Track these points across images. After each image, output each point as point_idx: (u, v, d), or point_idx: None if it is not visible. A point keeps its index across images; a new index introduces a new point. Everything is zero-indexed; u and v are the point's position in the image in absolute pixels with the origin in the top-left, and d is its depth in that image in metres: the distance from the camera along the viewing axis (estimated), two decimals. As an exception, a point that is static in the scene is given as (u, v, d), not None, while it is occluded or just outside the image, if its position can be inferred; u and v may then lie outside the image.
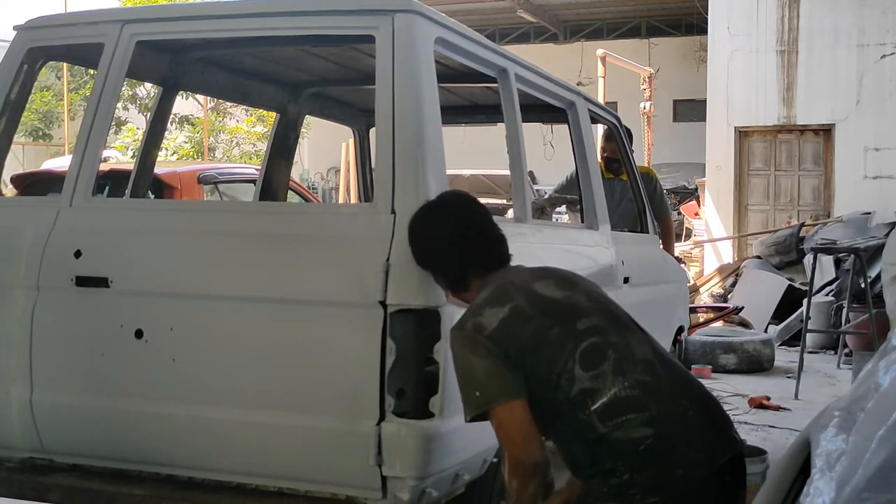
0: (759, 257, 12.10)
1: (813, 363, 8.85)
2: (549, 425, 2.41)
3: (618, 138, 5.19)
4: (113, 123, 7.00)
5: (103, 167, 4.71)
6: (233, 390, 2.88)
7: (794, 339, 9.78)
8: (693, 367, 8.10)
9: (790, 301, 10.39)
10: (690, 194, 17.79)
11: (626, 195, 5.57)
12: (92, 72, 5.20)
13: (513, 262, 2.71)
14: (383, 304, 2.66)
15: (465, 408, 2.44)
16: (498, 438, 2.42)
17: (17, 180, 7.14)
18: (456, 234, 2.63)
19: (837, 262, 10.51)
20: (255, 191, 4.93)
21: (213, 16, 3.25)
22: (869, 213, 11.57)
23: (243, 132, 16.39)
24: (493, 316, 2.44)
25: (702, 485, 2.32)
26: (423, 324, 2.65)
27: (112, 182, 5.96)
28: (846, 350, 9.03)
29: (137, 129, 14.44)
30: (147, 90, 15.31)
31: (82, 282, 3.01)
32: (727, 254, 13.58)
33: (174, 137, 15.31)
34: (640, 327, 2.58)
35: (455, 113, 4.95)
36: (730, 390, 7.52)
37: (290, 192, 5.50)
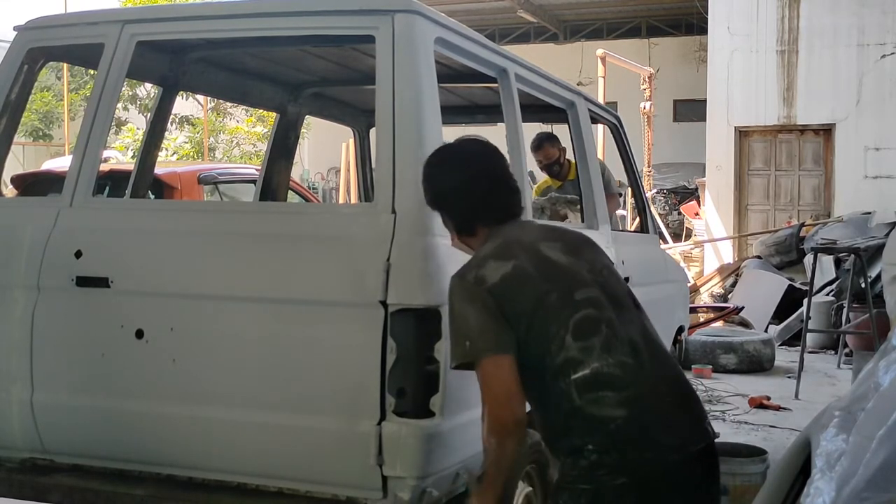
0: (759, 257, 12.10)
1: (813, 363, 8.85)
2: (530, 388, 2.41)
3: (617, 139, 5.19)
4: (113, 124, 7.00)
5: (103, 167, 4.71)
6: (233, 390, 2.88)
7: (794, 339, 9.78)
8: (693, 367, 8.10)
9: (790, 301, 10.39)
10: (690, 194, 17.79)
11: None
12: (92, 72, 5.19)
13: None
14: (384, 303, 2.67)
15: (452, 356, 2.43)
16: (481, 392, 2.39)
17: (18, 180, 7.14)
18: (469, 181, 2.59)
19: (837, 262, 10.51)
20: (255, 191, 4.93)
21: (213, 16, 3.25)
22: (869, 213, 11.57)
23: (243, 132, 16.39)
24: (495, 270, 2.42)
25: (672, 470, 2.33)
26: (423, 323, 2.65)
27: (112, 182, 5.96)
28: (846, 350, 9.03)
29: (137, 129, 14.44)
30: (147, 90, 15.31)
31: (83, 282, 3.01)
32: (727, 254, 13.58)
33: (174, 138, 15.32)
34: (636, 305, 2.58)
35: (455, 113, 4.95)
36: (730, 390, 7.52)
37: (290, 192, 5.49)
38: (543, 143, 5.90)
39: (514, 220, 2.63)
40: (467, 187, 2.59)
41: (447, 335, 2.59)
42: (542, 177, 6.34)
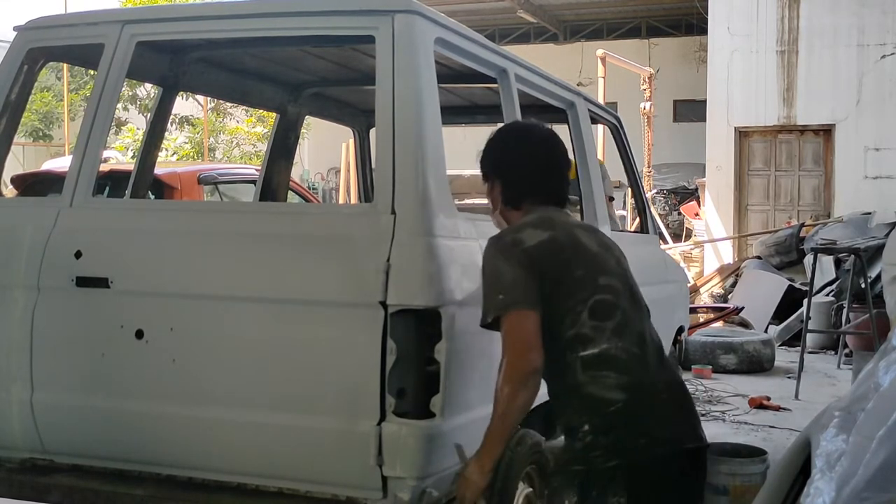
0: (759, 257, 12.10)
1: (813, 363, 8.85)
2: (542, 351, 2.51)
3: (617, 139, 5.19)
4: (113, 124, 7.00)
5: (103, 168, 4.72)
6: (233, 390, 2.88)
7: (794, 339, 9.78)
8: (693, 367, 8.10)
9: (790, 301, 10.39)
10: (690, 194, 17.80)
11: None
12: (92, 72, 5.19)
13: None
14: (384, 304, 2.66)
15: (485, 311, 2.52)
16: (503, 343, 2.49)
17: (18, 181, 7.14)
18: (537, 157, 2.75)
19: (837, 263, 10.51)
20: (255, 191, 4.93)
21: (213, 16, 3.25)
22: (869, 213, 11.57)
23: (243, 132, 16.40)
24: (533, 236, 2.56)
25: (662, 461, 2.42)
26: (423, 324, 2.65)
27: (112, 182, 5.96)
28: (846, 350, 9.03)
29: (137, 129, 14.44)
30: (147, 90, 15.31)
31: (82, 282, 3.01)
32: (727, 254, 13.58)
33: (174, 138, 15.32)
34: (648, 312, 2.71)
35: (455, 113, 4.95)
36: (730, 390, 7.52)
37: (290, 192, 5.49)
38: None
39: (559, 207, 2.77)
40: (533, 162, 2.74)
41: (447, 335, 2.60)
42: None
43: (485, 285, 2.55)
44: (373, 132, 3.42)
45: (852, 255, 8.78)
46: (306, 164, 21.38)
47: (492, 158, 2.80)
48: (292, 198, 6.54)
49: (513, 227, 2.67)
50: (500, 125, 3.01)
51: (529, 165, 2.75)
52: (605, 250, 2.69)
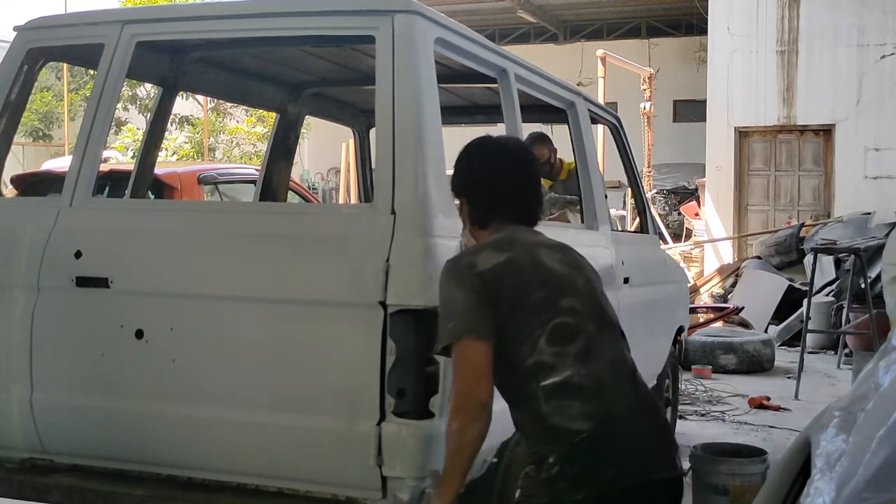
0: (759, 257, 12.10)
1: (813, 363, 8.86)
2: (505, 386, 2.42)
3: (617, 139, 5.20)
4: (113, 124, 7.00)
5: (103, 167, 4.71)
6: (233, 390, 2.88)
7: (794, 339, 9.79)
8: (693, 367, 8.11)
9: (790, 301, 10.40)
10: (690, 194, 17.79)
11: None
12: (92, 72, 5.19)
13: None
14: (383, 304, 2.66)
15: (437, 338, 2.46)
16: (453, 373, 2.41)
17: (17, 181, 7.14)
18: (501, 175, 2.64)
19: (837, 263, 10.51)
20: (255, 191, 4.93)
21: (213, 16, 3.25)
22: (869, 214, 11.58)
23: (243, 132, 16.39)
24: (489, 259, 2.46)
25: (631, 493, 2.30)
26: (423, 324, 2.64)
27: (112, 182, 5.96)
28: (846, 350, 9.04)
29: (137, 129, 14.44)
30: (147, 90, 15.31)
31: (82, 282, 3.01)
32: (727, 254, 13.59)
33: (174, 138, 15.31)
34: (622, 334, 2.57)
35: (455, 113, 4.95)
36: (730, 391, 7.52)
37: (290, 192, 5.49)
38: (535, 143, 5.92)
39: (528, 225, 2.66)
40: (498, 180, 2.63)
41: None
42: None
43: (439, 312, 2.47)
44: (373, 132, 3.41)
45: (852, 255, 8.79)
46: (306, 164, 21.38)
47: (458, 176, 2.68)
48: (292, 198, 6.54)
49: (471, 248, 2.58)
50: (470, 141, 2.84)
51: (496, 183, 2.63)
52: (573, 269, 2.56)
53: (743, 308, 9.83)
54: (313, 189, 18.56)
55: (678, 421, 5.97)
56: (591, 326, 2.44)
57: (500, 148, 2.72)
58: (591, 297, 2.53)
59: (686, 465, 4.52)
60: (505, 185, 2.63)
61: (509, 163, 2.67)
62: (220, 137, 16.52)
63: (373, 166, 3.60)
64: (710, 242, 13.83)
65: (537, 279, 2.45)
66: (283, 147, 4.78)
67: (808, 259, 10.44)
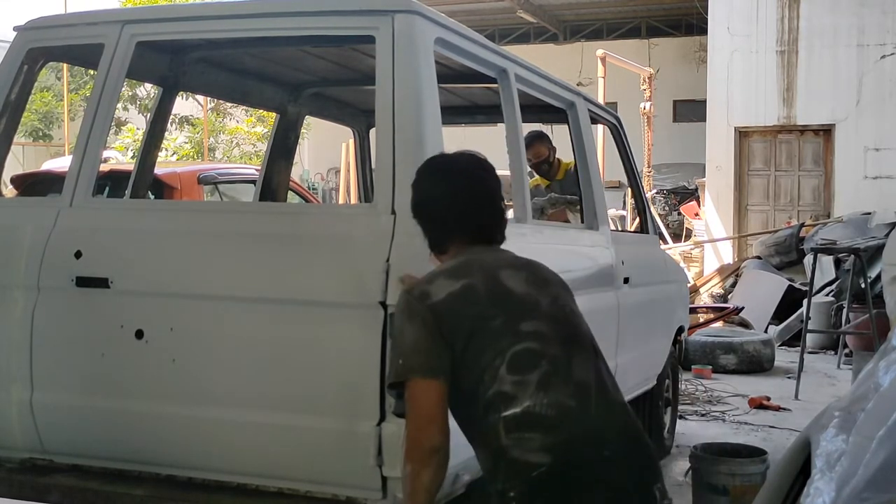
0: (759, 257, 12.10)
1: (813, 363, 8.86)
2: (465, 420, 2.31)
3: (617, 139, 5.20)
4: (113, 124, 7.00)
5: (103, 167, 4.71)
6: (233, 390, 2.88)
7: (794, 339, 9.78)
8: (693, 367, 8.11)
9: (790, 301, 10.40)
10: (690, 194, 17.79)
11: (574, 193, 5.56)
12: (92, 72, 5.19)
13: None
14: (383, 304, 2.66)
15: (388, 373, 2.37)
16: (406, 414, 2.30)
17: (17, 181, 7.14)
18: (452, 195, 2.47)
19: (837, 263, 10.51)
20: (255, 191, 4.93)
21: (213, 16, 3.25)
22: (869, 214, 11.58)
23: (243, 132, 16.39)
24: (443, 288, 2.31)
25: None
26: (423, 324, 2.64)
27: (112, 182, 5.96)
28: (846, 350, 9.04)
29: (137, 129, 14.43)
30: (147, 90, 15.30)
31: (82, 282, 3.01)
32: (727, 254, 13.59)
33: (174, 138, 15.31)
34: (596, 351, 2.40)
35: (455, 113, 4.95)
36: (730, 391, 7.52)
37: (290, 192, 5.49)
38: (534, 142, 5.92)
39: (490, 244, 2.51)
40: (447, 200, 2.47)
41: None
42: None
43: (391, 345, 2.36)
44: (373, 132, 3.41)
45: (852, 255, 8.79)
46: (306, 164, 21.37)
47: (412, 202, 2.53)
48: (292, 198, 6.54)
49: (427, 275, 2.40)
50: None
51: (445, 204, 2.46)
52: (538, 289, 2.39)
53: (743, 308, 9.83)
54: (313, 189, 18.55)
55: (678, 421, 5.98)
56: (556, 349, 2.28)
57: (447, 167, 2.54)
58: (557, 317, 2.37)
59: (686, 465, 4.52)
60: (454, 205, 2.46)
61: (460, 181, 2.49)
62: (219, 137, 16.52)
63: (373, 166, 3.59)
64: (709, 242, 13.83)
65: (496, 305, 2.30)
66: (282, 147, 4.78)
67: (808, 259, 10.44)
